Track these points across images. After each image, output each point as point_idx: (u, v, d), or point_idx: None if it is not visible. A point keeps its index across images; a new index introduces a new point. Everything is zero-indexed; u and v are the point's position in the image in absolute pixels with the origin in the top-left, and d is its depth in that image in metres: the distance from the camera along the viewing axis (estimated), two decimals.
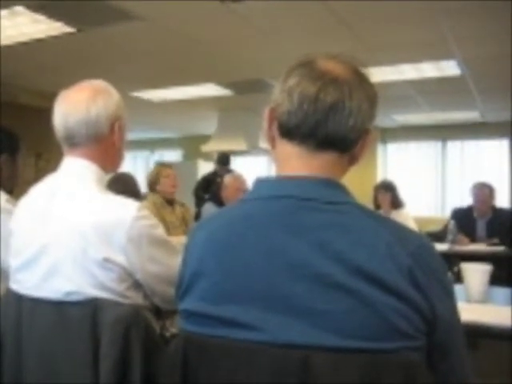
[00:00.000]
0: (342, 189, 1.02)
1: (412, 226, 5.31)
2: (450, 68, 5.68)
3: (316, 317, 0.90)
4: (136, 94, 7.23)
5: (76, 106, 1.49)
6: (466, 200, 5.69)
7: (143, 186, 4.51)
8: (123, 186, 3.25)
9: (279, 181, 1.05)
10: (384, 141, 9.81)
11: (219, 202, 5.04)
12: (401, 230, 0.99)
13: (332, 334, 0.89)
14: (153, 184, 4.41)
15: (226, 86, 6.91)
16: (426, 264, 0.94)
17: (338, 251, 0.91)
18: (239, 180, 5.21)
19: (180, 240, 3.59)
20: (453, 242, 4.84)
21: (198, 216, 5.92)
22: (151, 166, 11.08)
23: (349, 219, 0.96)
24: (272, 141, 1.10)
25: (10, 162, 2.24)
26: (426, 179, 9.70)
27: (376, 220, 0.99)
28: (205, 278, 1.00)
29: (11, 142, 2.28)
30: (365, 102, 1.03)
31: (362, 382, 0.86)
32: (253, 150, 8.50)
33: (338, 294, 0.90)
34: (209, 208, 5.03)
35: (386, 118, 8.62)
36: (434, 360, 0.95)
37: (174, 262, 1.37)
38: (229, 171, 6.72)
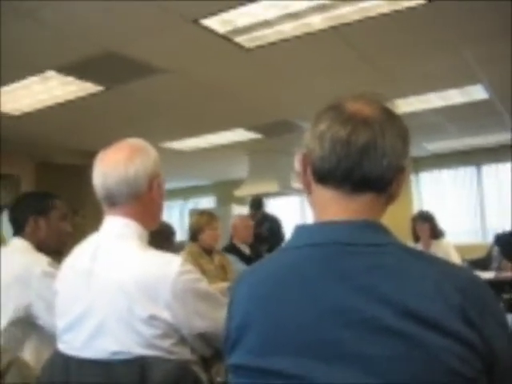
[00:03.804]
0: (382, 230, 1.00)
1: (454, 255, 5.21)
2: (476, 92, 5.63)
3: (368, 363, 0.87)
4: (166, 144, 7.36)
5: (114, 166, 1.52)
6: (506, 223, 5.56)
7: (178, 235, 4.44)
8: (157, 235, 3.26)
9: (319, 227, 1.04)
10: (416, 170, 9.71)
11: (235, 250, 4.93)
12: (447, 267, 0.97)
13: (386, 381, 0.86)
14: (196, 232, 4.28)
15: (255, 129, 6.98)
16: (478, 299, 0.91)
17: (384, 294, 0.89)
18: (244, 218, 5.21)
19: (220, 287, 3.58)
20: (498, 269, 4.71)
21: None
22: (186, 214, 11.27)
23: (393, 261, 0.94)
24: (308, 186, 1.09)
25: (42, 223, 2.25)
26: (464, 206, 9.52)
27: (420, 259, 0.96)
28: (251, 330, 0.98)
29: (38, 203, 2.29)
30: (397, 139, 1.02)
31: None
32: (285, 190, 8.50)
33: (388, 338, 0.87)
34: (229, 259, 4.73)
35: (416, 148, 8.55)
36: None
37: (221, 315, 1.35)
38: (263, 215, 6.74)
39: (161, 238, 2.55)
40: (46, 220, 2.27)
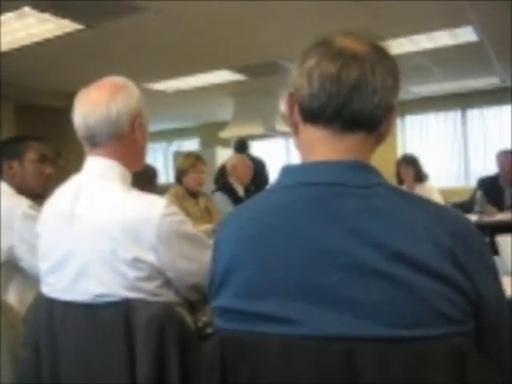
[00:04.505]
0: (372, 171, 0.98)
1: (437, 198, 5.24)
2: (466, 34, 5.53)
3: (356, 306, 0.87)
4: (150, 85, 7.21)
5: (96, 105, 1.47)
6: (489, 167, 5.59)
7: (163, 177, 4.39)
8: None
9: (307, 167, 1.01)
10: (401, 113, 9.65)
11: (229, 190, 4.94)
12: (438, 210, 0.95)
13: (375, 324, 0.85)
14: (181, 173, 4.23)
15: (240, 70, 6.86)
16: (468, 243, 0.90)
17: (374, 237, 0.88)
18: (243, 157, 5.18)
19: (205, 228, 3.58)
20: (481, 212, 4.76)
21: None
22: (170, 156, 11.18)
23: (383, 203, 0.92)
24: (295, 127, 1.05)
25: (16, 167, 2.24)
26: (448, 150, 9.55)
27: (411, 201, 0.95)
28: (238, 273, 0.97)
29: (11, 147, 2.28)
30: (388, 76, 0.99)
31: (410, 371, 0.82)
32: (270, 133, 8.45)
33: (377, 281, 0.86)
34: (220, 198, 4.82)
35: (402, 91, 8.41)
36: (483, 343, 0.91)
37: (206, 257, 1.33)
38: (248, 157, 6.68)
39: (144, 179, 2.51)
40: (19, 163, 2.25)
